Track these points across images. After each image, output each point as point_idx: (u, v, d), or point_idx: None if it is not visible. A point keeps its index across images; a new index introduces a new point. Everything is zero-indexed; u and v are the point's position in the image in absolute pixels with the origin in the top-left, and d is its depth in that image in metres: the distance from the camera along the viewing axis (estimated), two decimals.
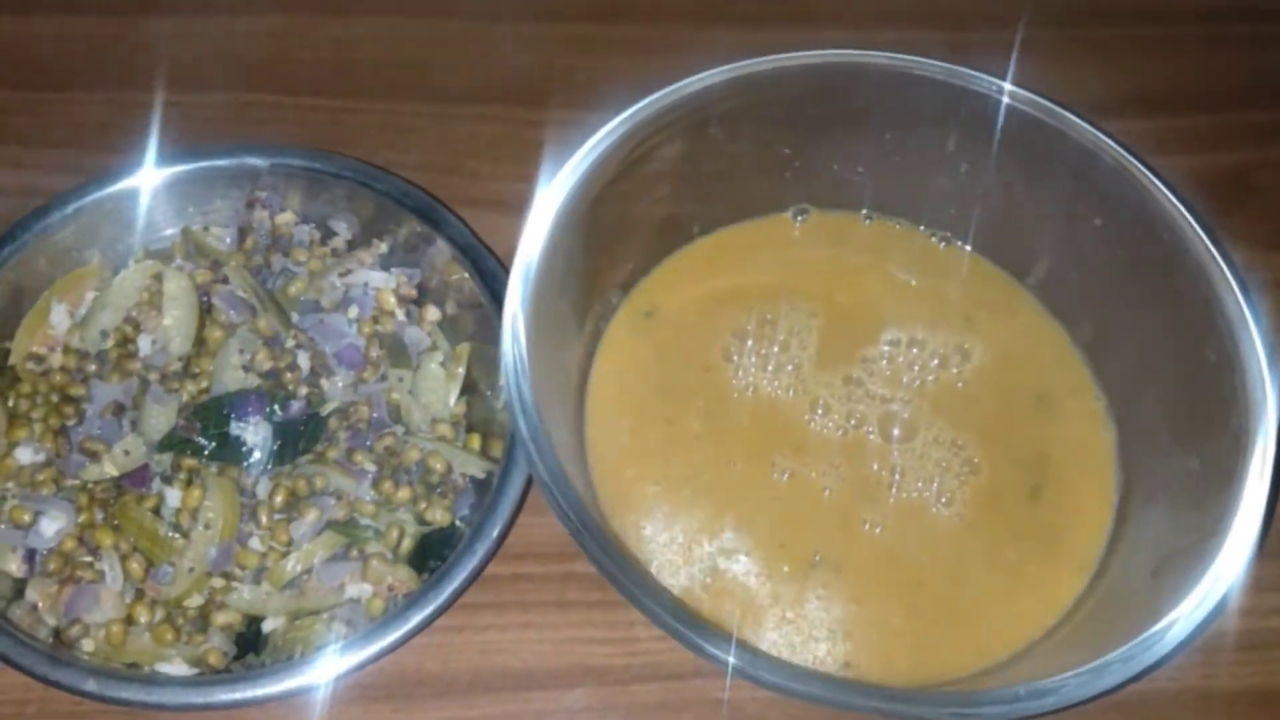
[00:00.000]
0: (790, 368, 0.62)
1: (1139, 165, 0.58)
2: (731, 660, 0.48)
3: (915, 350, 0.63)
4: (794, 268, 0.66)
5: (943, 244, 0.66)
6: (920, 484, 0.59)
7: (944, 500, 0.59)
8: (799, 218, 0.66)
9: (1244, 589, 0.57)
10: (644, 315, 0.64)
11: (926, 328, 0.64)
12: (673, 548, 0.57)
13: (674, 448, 0.60)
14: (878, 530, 0.58)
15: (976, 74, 0.60)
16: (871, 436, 0.60)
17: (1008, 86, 0.59)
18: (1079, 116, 0.59)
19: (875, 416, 0.61)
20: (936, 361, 0.63)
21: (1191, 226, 0.56)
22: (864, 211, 0.67)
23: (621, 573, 0.50)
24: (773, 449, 0.60)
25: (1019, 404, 0.62)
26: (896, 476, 0.60)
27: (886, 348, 0.63)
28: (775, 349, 0.63)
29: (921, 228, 0.66)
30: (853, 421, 0.61)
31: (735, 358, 0.63)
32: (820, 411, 0.61)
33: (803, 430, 0.61)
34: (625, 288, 0.64)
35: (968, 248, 0.66)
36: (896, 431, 0.61)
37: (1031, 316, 0.65)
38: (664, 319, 0.64)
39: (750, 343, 0.63)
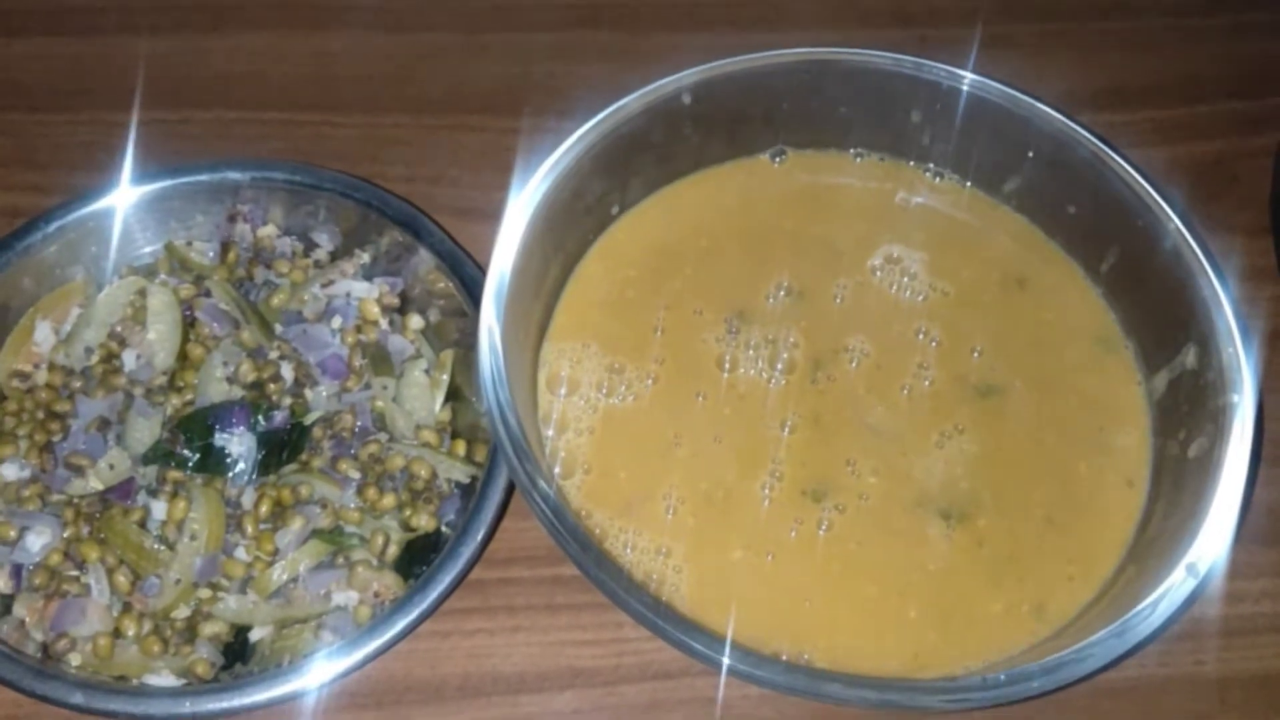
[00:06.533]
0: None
1: (1112, 153, 0.58)
2: (717, 657, 0.48)
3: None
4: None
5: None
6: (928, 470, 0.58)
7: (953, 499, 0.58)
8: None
9: (1230, 575, 0.58)
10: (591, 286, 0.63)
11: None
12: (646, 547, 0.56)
13: (623, 423, 0.59)
14: (875, 522, 0.57)
15: (948, 68, 0.60)
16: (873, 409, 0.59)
17: (972, 77, 0.60)
18: (1051, 107, 0.59)
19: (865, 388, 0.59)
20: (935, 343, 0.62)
21: (1165, 212, 0.57)
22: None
23: (607, 576, 0.50)
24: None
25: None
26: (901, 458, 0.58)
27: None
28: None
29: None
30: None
31: (688, 311, 0.61)
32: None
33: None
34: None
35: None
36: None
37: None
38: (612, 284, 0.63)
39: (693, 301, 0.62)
